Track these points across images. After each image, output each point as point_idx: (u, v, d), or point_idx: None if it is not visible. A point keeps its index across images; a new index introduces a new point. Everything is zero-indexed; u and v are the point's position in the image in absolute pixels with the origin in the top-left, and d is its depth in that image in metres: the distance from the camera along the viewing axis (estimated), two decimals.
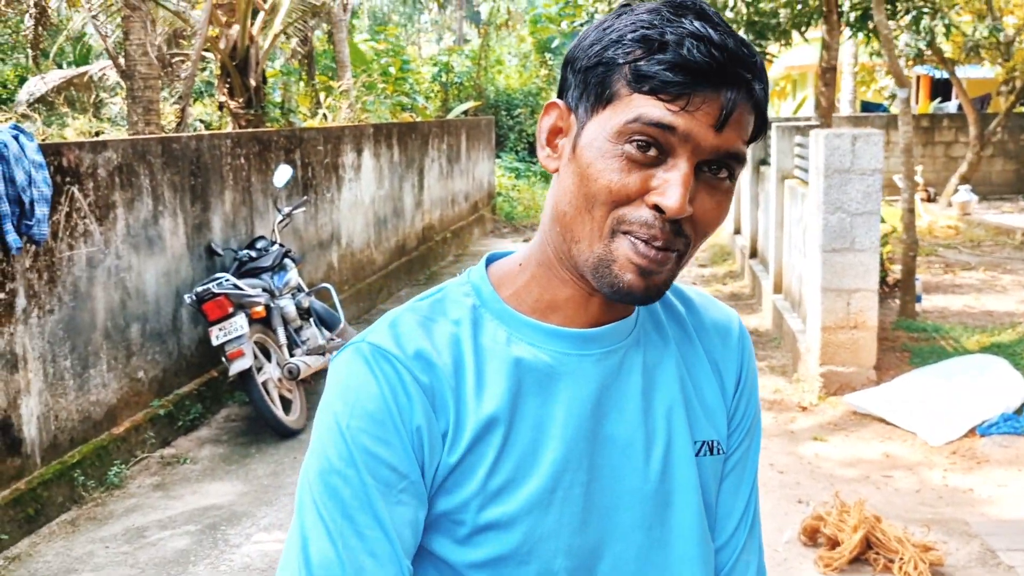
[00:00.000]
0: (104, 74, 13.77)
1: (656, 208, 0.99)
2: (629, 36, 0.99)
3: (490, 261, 1.16)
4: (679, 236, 1.00)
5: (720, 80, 0.97)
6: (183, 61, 9.96)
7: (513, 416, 1.06)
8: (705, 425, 1.16)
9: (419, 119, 14.76)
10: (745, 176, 11.41)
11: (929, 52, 15.61)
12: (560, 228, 1.05)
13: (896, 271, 8.87)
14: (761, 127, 1.03)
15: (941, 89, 23.79)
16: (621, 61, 0.98)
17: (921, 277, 9.41)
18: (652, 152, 0.98)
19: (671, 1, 1.01)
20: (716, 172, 1.01)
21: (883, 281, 9.12)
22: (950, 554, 4.27)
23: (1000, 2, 16.80)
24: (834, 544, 4.28)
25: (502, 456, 1.05)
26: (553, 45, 16.34)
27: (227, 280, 5.86)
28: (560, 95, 1.07)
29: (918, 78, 24.68)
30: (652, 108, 0.97)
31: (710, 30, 0.97)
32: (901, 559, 4.10)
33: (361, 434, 1.01)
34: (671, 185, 0.97)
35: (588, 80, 1.02)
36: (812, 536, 4.42)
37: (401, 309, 1.10)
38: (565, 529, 1.07)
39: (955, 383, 6.18)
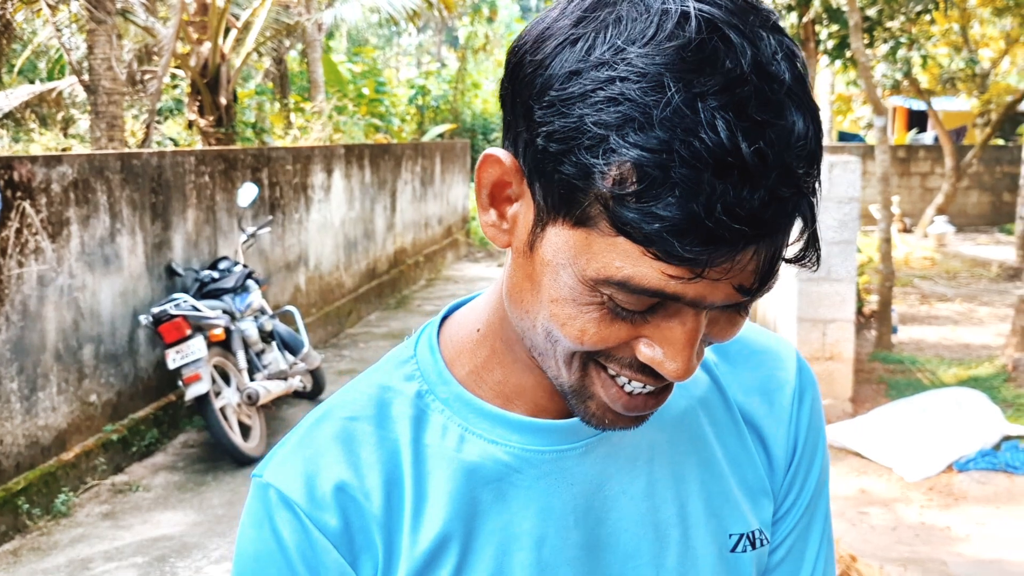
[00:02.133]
0: (74, 90, 13.57)
1: (650, 364, 0.72)
2: (627, 128, 0.63)
3: (448, 314, 0.92)
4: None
5: (756, 236, 0.64)
6: (153, 78, 9.78)
7: (469, 539, 0.82)
8: (743, 514, 0.90)
9: (393, 141, 14.62)
10: None
11: (906, 83, 15.66)
12: (518, 324, 0.78)
13: (872, 301, 8.78)
14: (813, 239, 0.71)
15: (917, 120, 23.96)
16: (599, 182, 0.65)
17: (897, 308, 9.33)
18: (646, 308, 0.70)
19: (684, 37, 0.64)
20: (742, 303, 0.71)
21: (859, 311, 9.03)
22: None
23: (976, 35, 16.91)
24: None
25: None
26: None
27: (185, 301, 5.66)
28: (505, 134, 0.75)
29: (894, 109, 24.84)
30: (646, 269, 0.65)
31: (743, 141, 0.62)
32: None
33: None
34: (673, 347, 0.70)
35: (545, 168, 0.68)
36: None
37: (319, 415, 0.86)
38: None
39: (932, 417, 6.05)
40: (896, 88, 15.83)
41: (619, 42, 0.65)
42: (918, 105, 19.02)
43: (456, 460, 0.83)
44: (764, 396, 0.92)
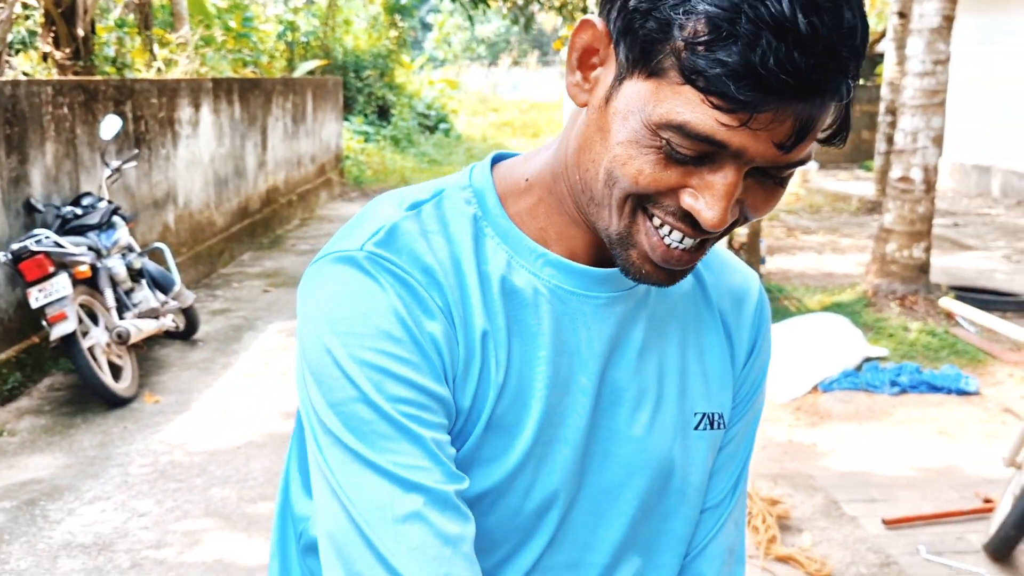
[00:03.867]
0: None
1: (690, 211, 0.83)
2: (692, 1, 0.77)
3: (495, 161, 1.02)
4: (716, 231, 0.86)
5: (798, 93, 0.76)
6: (3, 7, 9.21)
7: (501, 343, 0.94)
8: (707, 397, 1.05)
9: (263, 76, 14.21)
10: None
11: None
12: (578, 176, 0.90)
13: (742, 234, 9.03)
14: (845, 121, 0.84)
15: None
16: (676, 33, 0.77)
17: (765, 240, 9.62)
18: (695, 156, 0.81)
19: None
20: (776, 172, 0.84)
21: (729, 244, 9.28)
22: (796, 507, 4.32)
23: None
24: None
25: (498, 390, 0.95)
26: (403, 3, 16.01)
27: (47, 237, 5.41)
28: (602, 6, 0.86)
29: None
30: (702, 116, 0.77)
31: (801, 15, 0.74)
32: (750, 514, 4.11)
33: (382, 356, 0.87)
34: (713, 196, 0.82)
35: (633, 24, 0.81)
36: None
37: (395, 211, 0.95)
38: (560, 466, 0.98)
39: (798, 341, 6.30)
40: None
41: None
42: None
43: (502, 280, 0.95)
44: (735, 302, 1.08)
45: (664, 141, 0.80)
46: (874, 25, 17.48)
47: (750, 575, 3.78)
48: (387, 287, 0.89)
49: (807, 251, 10.37)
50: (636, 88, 0.81)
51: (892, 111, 11.33)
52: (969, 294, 7.43)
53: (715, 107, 0.76)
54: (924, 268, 7.27)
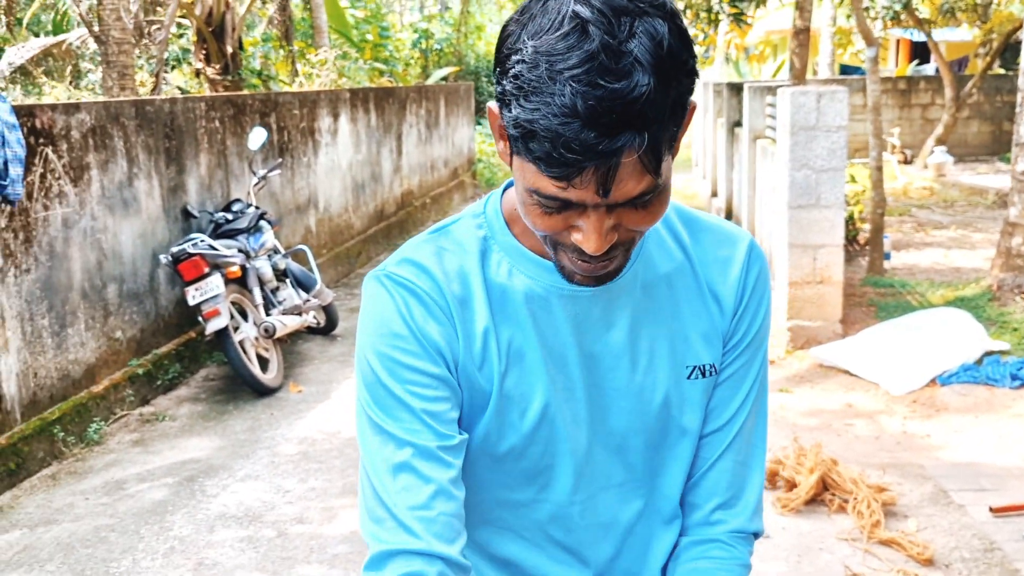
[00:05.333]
0: (83, 43, 13.73)
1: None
2: (518, 99, 1.00)
3: (508, 188, 1.29)
4: (615, 248, 1.11)
5: (592, 155, 0.98)
6: (159, 28, 9.94)
7: (503, 333, 1.24)
8: (697, 352, 1.30)
9: (398, 84, 14.77)
10: (720, 139, 11.51)
11: (905, 14, 15.68)
12: None
13: (867, 230, 9.00)
14: (673, 139, 1.04)
15: (919, 52, 23.87)
16: (512, 128, 1.03)
17: (890, 235, 9.56)
18: (558, 207, 1.06)
19: (561, 30, 0.98)
20: (635, 202, 1.05)
21: (854, 239, 9.27)
22: (904, 495, 4.42)
23: None
24: (792, 486, 4.42)
25: (503, 372, 1.24)
26: None
27: (202, 241, 5.95)
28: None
29: (897, 41, 24.73)
30: (544, 182, 1.03)
31: (579, 100, 0.95)
32: (855, 499, 4.24)
33: (390, 348, 1.20)
34: (586, 233, 1.07)
35: (504, 115, 1.05)
36: (771, 479, 4.56)
37: (419, 239, 1.27)
38: (565, 431, 1.27)
39: (918, 335, 6.32)
40: (896, 19, 15.85)
41: (525, 36, 1.01)
42: (920, 36, 19.00)
43: (505, 285, 1.24)
44: (720, 267, 1.31)
45: (536, 200, 1.07)
46: (1018, 12, 16.90)
47: (854, 558, 3.92)
48: (397, 298, 1.22)
49: (936, 246, 10.22)
50: (516, 162, 1.07)
51: None
52: None
53: (549, 177, 1.02)
54: None
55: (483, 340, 1.23)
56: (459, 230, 1.27)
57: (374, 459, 1.20)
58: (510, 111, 1.02)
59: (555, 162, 1.00)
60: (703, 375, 1.31)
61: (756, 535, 1.39)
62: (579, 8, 0.98)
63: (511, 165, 1.11)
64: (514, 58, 1.01)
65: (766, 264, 1.36)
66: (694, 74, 1.04)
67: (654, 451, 1.33)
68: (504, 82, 1.03)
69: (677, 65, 1.00)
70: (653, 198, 1.06)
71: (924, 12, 16.91)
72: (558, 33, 0.98)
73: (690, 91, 1.03)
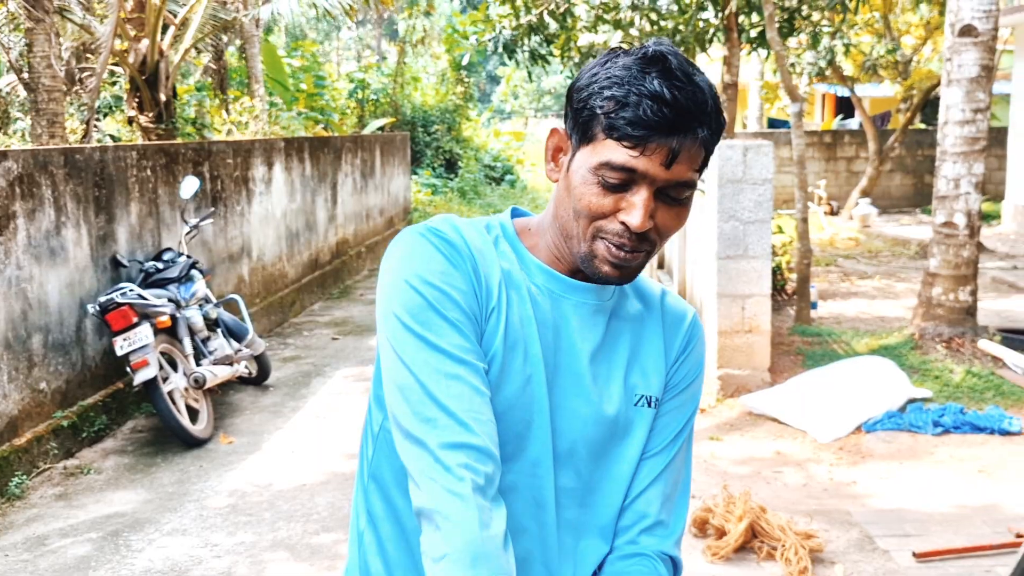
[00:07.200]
0: (13, 89, 13.53)
1: (624, 223, 1.31)
2: (606, 92, 1.28)
3: (513, 214, 1.51)
4: (644, 241, 1.33)
5: (669, 131, 1.26)
6: (91, 75, 9.85)
7: (513, 312, 1.39)
8: (646, 383, 1.49)
9: (334, 134, 14.79)
10: None
11: (830, 71, 16.16)
12: (559, 224, 1.39)
13: (794, 280, 9.20)
14: (708, 160, 1.33)
15: (844, 107, 24.58)
16: (599, 112, 1.29)
17: (816, 285, 9.78)
18: (620, 183, 1.30)
19: (645, 55, 1.28)
20: (673, 194, 1.31)
21: (782, 289, 9.46)
22: (831, 541, 4.50)
23: (898, 23, 17.48)
24: (721, 534, 4.48)
25: (504, 336, 1.38)
26: (464, 62, 16.52)
27: (131, 290, 5.88)
28: (565, 119, 1.39)
29: (823, 96, 25.44)
30: (618, 153, 1.28)
31: (665, 89, 1.25)
32: (783, 546, 4.30)
33: (437, 280, 1.34)
34: (634, 208, 1.30)
35: (577, 119, 1.33)
36: (702, 527, 4.61)
37: (442, 218, 1.43)
38: (537, 410, 1.41)
39: (844, 383, 6.46)
40: (821, 75, 16.34)
41: (611, 64, 1.31)
42: (844, 92, 19.58)
43: (508, 273, 1.42)
44: (674, 322, 1.55)
45: (600, 176, 1.30)
46: (937, 69, 17.52)
47: None
48: (439, 246, 1.37)
49: (861, 296, 10.47)
50: (582, 154, 1.33)
51: None
52: (1018, 336, 7.50)
53: (624, 147, 1.28)
54: (971, 311, 7.38)
55: (497, 301, 1.39)
56: (476, 227, 1.45)
57: (425, 367, 1.31)
58: (602, 97, 1.28)
59: (641, 125, 1.25)
60: (648, 405, 1.50)
61: (675, 564, 1.53)
62: (658, 48, 1.30)
63: (563, 172, 1.37)
64: (602, 72, 1.30)
65: (703, 331, 1.61)
66: (723, 125, 1.34)
67: (595, 464, 1.47)
68: (589, 88, 1.31)
69: (720, 105, 1.32)
70: (684, 201, 1.33)
71: (848, 69, 17.46)
72: (642, 58, 1.29)
73: (722, 132, 1.33)
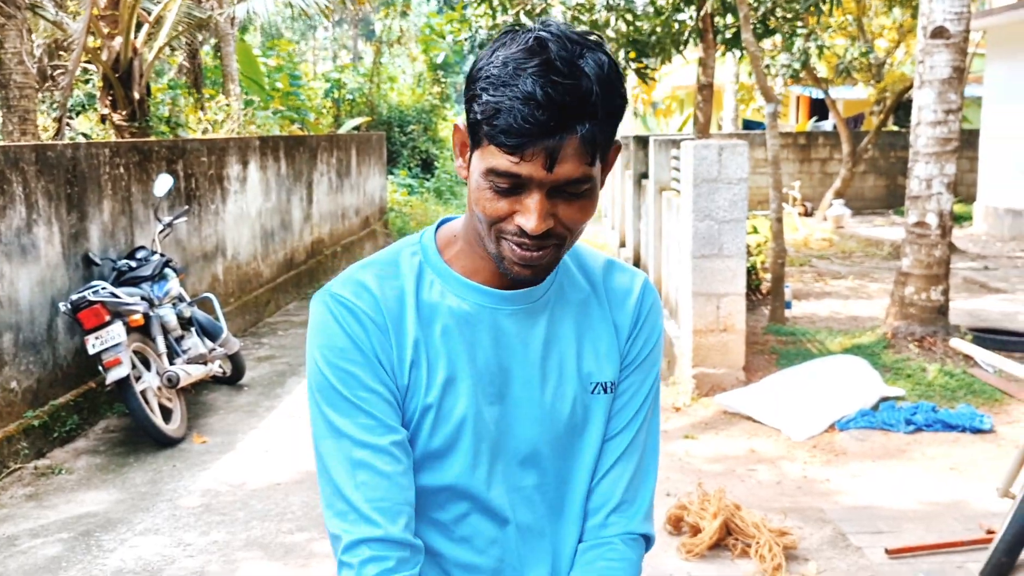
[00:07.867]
0: None
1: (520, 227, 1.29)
2: (483, 96, 1.25)
3: (441, 224, 1.50)
4: (549, 237, 1.30)
5: (543, 134, 1.22)
6: (64, 72, 9.76)
7: (432, 345, 1.40)
8: (600, 370, 1.48)
9: (310, 133, 14.74)
10: (628, 190, 11.73)
11: (804, 72, 16.25)
12: (473, 223, 1.38)
13: (769, 280, 9.24)
14: (606, 147, 1.29)
15: (818, 109, 24.74)
16: (480, 117, 1.26)
17: (791, 285, 9.84)
18: (510, 187, 1.27)
19: (527, 45, 1.24)
20: (569, 190, 1.28)
21: (757, 289, 9.51)
22: (804, 538, 4.52)
23: (871, 26, 17.61)
24: (696, 531, 4.49)
25: (431, 380, 1.40)
26: (439, 61, 16.52)
27: (103, 288, 5.82)
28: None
29: (798, 98, 25.60)
30: (500, 160, 1.25)
31: (539, 88, 1.20)
32: (757, 543, 4.32)
33: (337, 359, 1.36)
34: (528, 212, 1.27)
35: (468, 121, 1.31)
36: (676, 525, 4.62)
37: (361, 265, 1.43)
38: (485, 434, 1.43)
39: (818, 382, 6.50)
40: (795, 78, 16.43)
41: (496, 53, 1.27)
42: (819, 94, 19.71)
43: (436, 304, 1.41)
44: (620, 298, 1.52)
45: (491, 182, 1.28)
46: (910, 72, 17.68)
47: None
48: (338, 315, 1.38)
49: (835, 296, 10.54)
50: (475, 157, 1.30)
51: None
52: (989, 335, 7.57)
53: (504, 153, 1.24)
54: (942, 310, 7.44)
55: (414, 351, 1.39)
56: (396, 256, 1.44)
57: (333, 458, 1.37)
58: (480, 101, 1.24)
59: (513, 133, 1.21)
60: (604, 391, 1.50)
61: (647, 539, 1.56)
62: (542, 34, 1.25)
63: (468, 170, 1.34)
64: (485, 68, 1.25)
65: (658, 297, 1.57)
66: (626, 99, 1.30)
67: (562, 460, 1.49)
68: (474, 86, 1.26)
69: (614, 85, 1.26)
70: (585, 194, 1.29)
71: (822, 71, 17.57)
72: (523, 48, 1.24)
73: (622, 111, 1.29)
